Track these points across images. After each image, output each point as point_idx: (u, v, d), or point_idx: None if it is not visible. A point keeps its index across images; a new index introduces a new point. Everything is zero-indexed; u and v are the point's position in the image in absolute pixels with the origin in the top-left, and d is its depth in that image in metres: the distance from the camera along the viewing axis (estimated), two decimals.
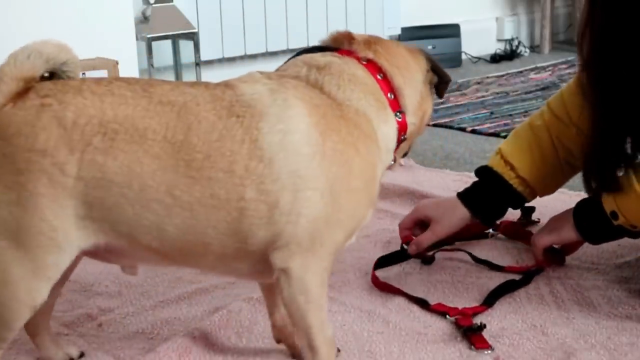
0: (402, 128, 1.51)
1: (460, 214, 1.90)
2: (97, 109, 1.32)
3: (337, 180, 1.36)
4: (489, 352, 1.54)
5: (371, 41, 1.52)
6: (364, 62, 1.48)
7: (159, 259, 1.40)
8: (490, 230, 2.08)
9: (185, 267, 1.58)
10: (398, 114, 1.50)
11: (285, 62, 1.51)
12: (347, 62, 1.47)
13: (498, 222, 2.07)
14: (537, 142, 1.90)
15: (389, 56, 1.51)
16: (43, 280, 1.35)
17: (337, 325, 1.66)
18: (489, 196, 1.92)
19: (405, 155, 1.65)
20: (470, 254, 1.93)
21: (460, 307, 1.69)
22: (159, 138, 1.31)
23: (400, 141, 1.52)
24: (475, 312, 1.67)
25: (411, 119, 1.52)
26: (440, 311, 1.68)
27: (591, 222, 1.74)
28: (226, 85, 1.39)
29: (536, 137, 1.90)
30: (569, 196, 2.19)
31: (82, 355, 1.59)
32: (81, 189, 1.31)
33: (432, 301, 1.72)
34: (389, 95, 1.49)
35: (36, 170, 1.30)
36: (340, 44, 1.51)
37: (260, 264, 1.38)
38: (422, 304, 1.72)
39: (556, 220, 1.84)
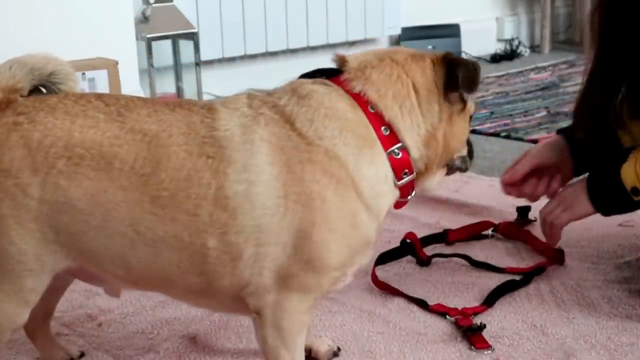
0: (403, 165, 1.36)
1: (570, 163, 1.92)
2: (65, 131, 1.28)
3: (300, 232, 1.27)
4: (489, 352, 1.54)
5: (366, 66, 1.37)
6: (354, 93, 1.35)
7: (131, 285, 1.37)
8: (490, 231, 2.07)
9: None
10: (396, 150, 1.35)
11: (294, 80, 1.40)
12: (330, 93, 1.34)
13: (497, 222, 2.07)
14: None
15: (383, 84, 1.36)
16: (20, 305, 1.32)
17: (337, 325, 1.66)
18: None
19: (458, 169, 1.50)
20: (468, 258, 1.92)
21: (460, 307, 1.69)
22: (126, 168, 1.26)
23: (403, 179, 1.37)
24: (475, 312, 1.67)
25: (419, 152, 1.37)
26: (440, 311, 1.68)
27: (608, 196, 1.73)
28: (208, 110, 1.32)
29: None
30: None
31: (82, 355, 1.58)
32: (46, 212, 1.27)
33: (432, 301, 1.72)
34: (382, 130, 1.34)
35: (0, 191, 1.27)
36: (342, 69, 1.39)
37: (232, 302, 1.34)
38: (422, 304, 1.72)
39: (568, 196, 1.81)
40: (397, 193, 1.38)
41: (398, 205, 1.43)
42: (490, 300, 1.72)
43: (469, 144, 1.51)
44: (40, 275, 1.31)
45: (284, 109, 1.32)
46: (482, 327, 1.59)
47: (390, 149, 1.35)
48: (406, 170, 1.37)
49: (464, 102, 1.41)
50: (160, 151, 1.27)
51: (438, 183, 1.46)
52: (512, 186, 1.92)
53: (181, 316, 1.72)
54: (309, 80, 1.37)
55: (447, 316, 1.66)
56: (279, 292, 1.30)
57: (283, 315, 1.32)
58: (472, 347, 1.55)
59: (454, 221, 2.16)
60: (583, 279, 1.82)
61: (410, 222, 2.20)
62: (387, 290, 1.79)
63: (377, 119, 1.34)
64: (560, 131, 1.94)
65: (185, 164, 1.27)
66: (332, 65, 1.41)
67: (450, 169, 1.47)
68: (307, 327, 1.39)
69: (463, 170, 1.50)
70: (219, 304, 1.37)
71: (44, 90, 1.36)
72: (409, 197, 1.42)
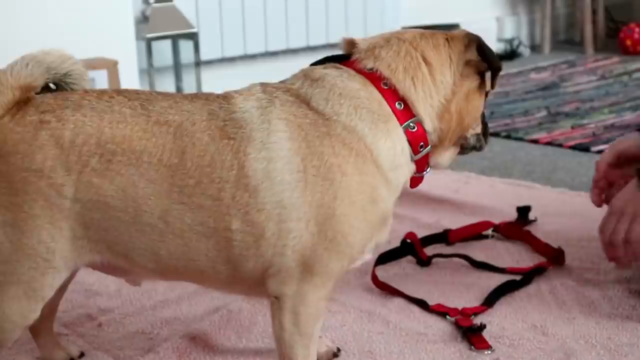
0: (419, 138, 1.38)
1: None
2: (95, 128, 1.29)
3: (322, 208, 1.28)
4: (489, 352, 1.54)
5: (375, 46, 1.40)
6: (366, 72, 1.38)
7: (158, 277, 1.39)
8: (490, 231, 2.07)
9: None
10: (411, 123, 1.37)
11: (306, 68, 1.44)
12: (342, 74, 1.37)
13: (497, 222, 2.07)
14: None
15: (393, 60, 1.38)
16: (37, 301, 1.33)
17: (337, 325, 1.66)
18: None
19: (473, 149, 1.49)
20: (468, 259, 1.92)
21: (460, 307, 1.68)
22: (155, 161, 1.28)
23: (423, 156, 1.39)
24: (475, 312, 1.66)
25: (433, 125, 1.39)
26: (440, 311, 1.68)
27: None
28: (224, 98, 1.35)
29: None
30: (569, 196, 2.19)
31: (82, 355, 1.58)
32: (78, 211, 1.28)
33: (433, 302, 1.72)
34: (396, 105, 1.37)
35: (32, 192, 1.27)
36: (350, 53, 1.42)
37: (258, 287, 1.35)
38: (422, 304, 1.72)
39: (627, 206, 1.62)
40: (413, 167, 1.40)
41: (414, 181, 1.44)
42: (491, 300, 1.72)
43: (484, 123, 1.50)
44: (61, 272, 1.32)
45: (299, 91, 1.35)
46: (482, 327, 1.59)
47: (405, 123, 1.37)
48: (422, 143, 1.38)
49: (481, 78, 1.43)
50: (185, 140, 1.29)
51: (449, 159, 1.47)
52: (600, 193, 1.81)
53: (181, 316, 1.72)
54: (320, 66, 1.40)
55: (447, 316, 1.66)
56: (301, 277, 1.31)
57: (303, 301, 1.32)
58: (472, 347, 1.55)
59: (454, 221, 2.16)
60: (583, 279, 1.81)
61: (411, 222, 2.20)
62: (387, 290, 1.78)
63: (391, 94, 1.37)
64: None
65: (209, 149, 1.29)
66: (340, 52, 1.45)
67: (465, 147, 1.48)
68: (323, 316, 1.39)
69: (478, 149, 1.50)
70: (246, 290, 1.39)
71: (53, 87, 1.37)
72: (425, 173, 1.43)
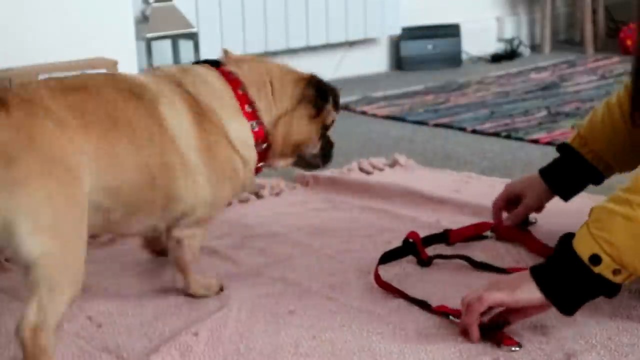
0: (258, 136, 1.77)
1: (543, 190, 2.00)
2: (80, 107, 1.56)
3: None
4: (516, 348, 1.53)
5: (242, 60, 1.82)
6: (228, 76, 1.77)
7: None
8: (489, 233, 2.07)
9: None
10: (254, 124, 1.76)
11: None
12: (209, 73, 1.76)
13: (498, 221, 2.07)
14: (610, 117, 1.90)
15: (250, 74, 1.78)
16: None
17: (337, 325, 1.66)
18: (566, 172, 1.96)
19: (309, 165, 1.93)
20: (469, 260, 1.91)
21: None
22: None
23: (263, 150, 1.78)
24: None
25: (269, 133, 1.78)
26: (443, 312, 1.67)
27: (559, 276, 1.48)
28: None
29: (610, 113, 1.90)
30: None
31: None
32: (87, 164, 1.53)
33: (433, 302, 1.71)
34: (246, 107, 1.76)
35: (59, 161, 1.48)
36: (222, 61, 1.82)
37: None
38: (424, 306, 1.71)
39: (511, 279, 1.56)
40: (255, 156, 1.77)
41: (256, 170, 1.82)
42: None
43: (326, 148, 1.90)
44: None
45: (179, 80, 1.72)
46: (505, 324, 1.56)
47: (250, 122, 1.76)
48: (261, 142, 1.78)
49: (316, 110, 1.82)
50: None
51: (284, 165, 1.88)
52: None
53: (182, 316, 1.72)
54: (195, 65, 1.81)
55: (451, 317, 1.64)
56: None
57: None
58: (501, 344, 1.53)
59: (454, 221, 2.16)
60: None
61: (410, 222, 2.20)
62: (390, 290, 1.78)
63: (243, 98, 1.76)
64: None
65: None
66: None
67: (302, 159, 1.89)
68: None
69: (313, 166, 1.93)
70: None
71: None
72: (262, 164, 1.82)
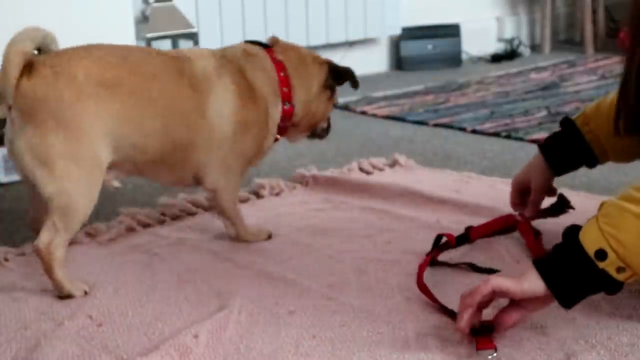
0: (288, 114, 2.08)
1: (544, 167, 2.01)
2: (96, 71, 1.84)
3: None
4: (492, 355, 1.51)
5: (288, 48, 2.13)
6: (275, 61, 2.07)
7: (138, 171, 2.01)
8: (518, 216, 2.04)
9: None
10: (287, 103, 2.07)
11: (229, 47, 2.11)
12: (265, 57, 2.07)
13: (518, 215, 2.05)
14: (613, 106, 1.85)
15: (293, 60, 2.10)
16: (98, 189, 1.86)
17: (337, 325, 1.66)
18: (562, 147, 1.97)
19: (319, 136, 2.24)
20: (472, 266, 1.89)
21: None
22: (139, 92, 1.87)
23: (285, 125, 2.10)
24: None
25: (298, 112, 2.09)
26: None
27: (564, 269, 1.47)
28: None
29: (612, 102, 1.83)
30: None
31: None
32: (99, 123, 1.82)
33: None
34: (284, 88, 2.06)
35: (72, 117, 1.79)
36: (271, 44, 2.13)
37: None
38: (453, 315, 1.64)
39: (522, 272, 1.53)
40: (275, 129, 2.09)
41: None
42: None
43: (329, 121, 2.22)
44: (102, 168, 1.85)
45: (238, 63, 2.04)
46: (491, 328, 1.56)
47: (283, 101, 2.07)
48: (287, 119, 2.09)
49: (331, 92, 2.15)
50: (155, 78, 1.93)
51: (300, 138, 2.23)
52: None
53: (181, 316, 1.72)
54: (254, 45, 2.10)
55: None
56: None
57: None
58: (475, 348, 1.53)
59: (454, 221, 2.16)
60: None
61: (410, 222, 2.20)
62: (427, 296, 1.74)
63: (284, 81, 2.07)
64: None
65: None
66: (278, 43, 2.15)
67: (314, 133, 2.21)
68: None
69: (322, 136, 2.23)
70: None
71: (35, 52, 1.83)
72: (278, 137, 2.12)
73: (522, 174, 2.09)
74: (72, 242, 2.14)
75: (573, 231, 1.49)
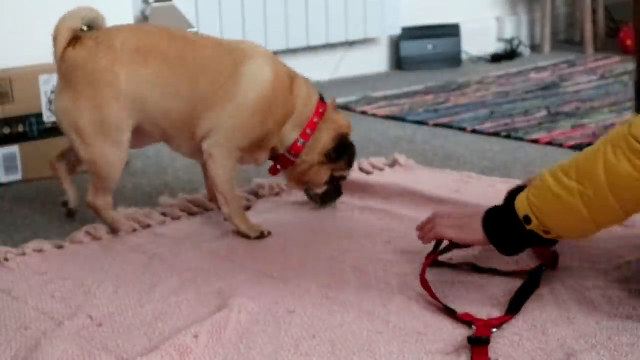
0: (295, 149, 2.18)
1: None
2: (134, 40, 2.08)
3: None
4: None
5: (335, 109, 2.26)
6: (321, 104, 2.21)
7: (164, 137, 2.19)
8: None
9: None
10: (301, 140, 2.18)
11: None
12: (315, 92, 2.22)
13: None
14: None
15: (329, 119, 2.22)
16: (123, 151, 2.11)
17: (337, 325, 1.66)
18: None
19: (311, 198, 2.32)
20: (473, 266, 1.88)
21: (485, 316, 1.66)
22: (172, 58, 2.08)
23: (288, 159, 2.21)
24: (502, 322, 1.63)
25: (302, 155, 2.20)
26: (466, 321, 1.64)
27: (501, 224, 1.70)
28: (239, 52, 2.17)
29: None
30: None
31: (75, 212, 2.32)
32: (128, 90, 2.05)
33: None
34: (307, 130, 2.18)
35: (104, 84, 2.04)
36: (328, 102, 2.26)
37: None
38: (450, 312, 1.68)
39: (465, 216, 1.79)
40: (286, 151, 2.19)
41: (273, 170, 2.27)
42: (514, 308, 1.69)
43: (329, 194, 2.29)
44: (127, 132, 2.09)
45: (294, 78, 2.19)
46: (488, 340, 1.55)
47: (302, 138, 2.17)
48: (293, 154, 2.18)
49: (331, 165, 2.21)
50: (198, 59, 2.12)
51: (295, 187, 2.32)
52: None
53: (182, 316, 1.72)
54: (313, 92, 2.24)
55: (472, 326, 1.62)
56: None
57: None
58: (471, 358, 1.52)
59: None
60: (583, 279, 1.81)
61: (410, 222, 2.19)
62: (429, 293, 1.74)
63: (312, 124, 2.19)
64: None
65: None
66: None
67: (308, 193, 2.29)
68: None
69: (317, 201, 2.30)
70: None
71: (85, 28, 2.12)
72: (280, 168, 2.24)
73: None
74: (73, 242, 2.15)
75: (514, 194, 1.69)
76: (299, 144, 2.16)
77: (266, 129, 2.12)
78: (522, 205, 1.65)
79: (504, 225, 1.69)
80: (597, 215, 1.58)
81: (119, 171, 2.13)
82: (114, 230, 2.17)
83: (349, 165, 2.25)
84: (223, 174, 2.12)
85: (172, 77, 2.07)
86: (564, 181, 1.59)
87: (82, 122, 2.06)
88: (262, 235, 2.14)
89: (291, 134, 2.16)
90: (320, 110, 2.17)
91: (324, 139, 2.17)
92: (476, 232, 1.72)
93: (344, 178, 2.26)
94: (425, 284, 1.76)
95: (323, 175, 2.21)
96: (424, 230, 1.85)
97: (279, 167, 2.22)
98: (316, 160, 2.18)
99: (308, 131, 2.16)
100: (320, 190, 2.24)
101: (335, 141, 2.18)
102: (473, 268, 1.89)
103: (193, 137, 2.11)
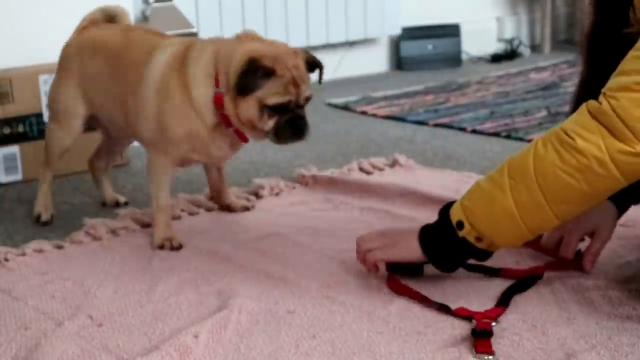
0: (217, 101, 2.00)
1: (608, 207, 1.83)
2: (93, 37, 2.25)
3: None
4: (489, 357, 1.52)
5: (239, 39, 2.04)
6: (218, 51, 2.01)
7: (109, 125, 2.32)
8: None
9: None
10: (218, 90, 2.00)
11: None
12: (208, 50, 2.03)
13: None
14: None
15: (228, 51, 1.99)
16: (67, 134, 2.31)
17: (337, 325, 1.66)
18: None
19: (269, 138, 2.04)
20: (474, 266, 1.85)
21: (478, 309, 1.66)
22: (110, 56, 2.19)
23: (225, 115, 2.01)
24: (499, 314, 1.64)
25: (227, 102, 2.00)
26: (464, 315, 1.65)
27: (435, 234, 1.70)
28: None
29: None
30: None
31: (126, 203, 2.46)
32: (81, 80, 2.24)
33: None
34: (219, 76, 1.99)
35: (67, 69, 2.27)
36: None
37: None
38: (444, 309, 1.68)
39: (396, 235, 1.79)
40: (212, 116, 2.03)
41: (239, 134, 2.06)
42: (505, 300, 1.70)
43: (280, 128, 1.99)
44: (78, 118, 2.28)
45: (187, 55, 2.06)
46: (491, 332, 1.57)
47: (216, 88, 2.01)
48: (219, 106, 2.01)
49: (239, 92, 1.96)
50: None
51: (256, 137, 2.07)
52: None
53: (182, 316, 1.72)
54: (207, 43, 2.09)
55: (473, 320, 1.62)
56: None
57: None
58: (474, 350, 1.53)
59: None
60: (584, 279, 1.81)
61: (410, 222, 2.20)
62: (407, 294, 1.75)
63: (218, 68, 2.01)
64: None
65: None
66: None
67: (261, 132, 2.02)
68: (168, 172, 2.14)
69: (273, 141, 2.02)
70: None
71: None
72: (232, 128, 2.04)
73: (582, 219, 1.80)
74: (73, 242, 2.15)
75: (449, 205, 1.70)
76: (217, 94, 2.00)
77: (184, 124, 2.05)
78: (455, 211, 1.67)
79: (439, 236, 1.69)
80: (528, 215, 1.58)
81: (58, 152, 2.33)
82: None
83: (268, 86, 1.95)
84: (155, 170, 2.12)
85: (108, 75, 2.17)
86: (496, 178, 1.62)
87: (50, 99, 2.34)
88: (167, 247, 2.10)
89: (201, 94, 2.01)
90: (216, 54, 2.01)
91: (231, 72, 1.97)
92: (412, 248, 1.72)
93: (284, 106, 1.97)
94: (400, 289, 1.76)
95: (251, 109, 1.96)
96: (360, 259, 1.83)
97: (233, 127, 2.05)
98: (232, 96, 1.98)
99: (220, 77, 2.00)
100: (267, 127, 1.98)
101: (238, 68, 1.95)
102: (463, 267, 1.87)
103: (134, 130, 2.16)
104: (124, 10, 2.32)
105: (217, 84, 2.00)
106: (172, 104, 2.03)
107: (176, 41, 2.13)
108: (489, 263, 1.86)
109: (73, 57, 2.25)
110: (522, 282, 1.78)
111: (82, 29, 2.30)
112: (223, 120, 2.03)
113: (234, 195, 2.42)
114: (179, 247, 2.09)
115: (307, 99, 2.00)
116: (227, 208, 2.37)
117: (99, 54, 2.20)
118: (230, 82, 1.96)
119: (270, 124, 1.98)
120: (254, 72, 1.93)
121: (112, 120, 2.23)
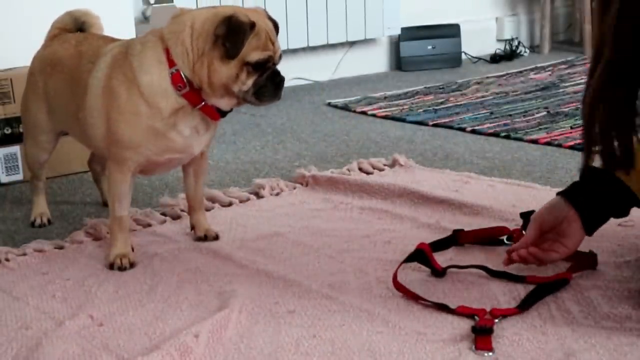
0: (176, 81, 1.90)
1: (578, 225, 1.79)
2: (54, 52, 2.19)
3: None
4: (489, 354, 1.52)
5: (175, 15, 1.99)
6: (161, 32, 1.95)
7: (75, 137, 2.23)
8: (504, 239, 2.00)
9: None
10: (173, 70, 1.90)
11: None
12: (152, 38, 1.97)
13: (511, 229, 2.01)
14: None
15: (174, 26, 1.94)
16: (41, 150, 2.31)
17: (337, 324, 1.66)
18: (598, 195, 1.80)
19: (248, 101, 1.94)
20: (485, 269, 1.85)
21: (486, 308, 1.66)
22: (66, 71, 2.12)
23: (191, 92, 1.90)
24: (504, 314, 1.64)
25: (190, 74, 1.89)
26: (467, 314, 1.65)
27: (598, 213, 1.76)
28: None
29: None
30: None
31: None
32: (45, 97, 2.20)
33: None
34: (169, 56, 1.91)
35: (32, 87, 2.26)
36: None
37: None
38: (445, 309, 1.68)
39: (561, 225, 1.77)
40: (180, 100, 1.91)
41: (206, 110, 1.94)
42: (525, 304, 1.68)
43: (261, 85, 1.90)
44: (48, 134, 2.27)
45: (127, 50, 1.98)
46: (491, 330, 1.57)
47: (170, 69, 1.90)
48: (179, 85, 1.90)
49: (226, 49, 1.86)
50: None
51: (229, 105, 1.94)
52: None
53: (182, 316, 1.72)
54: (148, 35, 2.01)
55: (476, 317, 1.63)
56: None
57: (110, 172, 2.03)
58: (473, 347, 1.54)
59: (454, 221, 2.16)
60: (583, 279, 1.81)
61: (410, 222, 2.20)
62: (408, 295, 1.75)
63: (167, 49, 1.92)
64: (559, 193, 1.82)
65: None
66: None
67: (239, 98, 1.92)
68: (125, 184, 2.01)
69: (252, 102, 1.94)
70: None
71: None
72: (199, 106, 1.92)
73: (545, 218, 1.83)
74: (73, 242, 2.15)
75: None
76: (173, 75, 1.90)
77: (137, 123, 1.94)
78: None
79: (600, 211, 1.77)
80: None
81: (37, 166, 2.34)
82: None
83: (249, 42, 1.87)
84: (112, 183, 2.00)
85: (63, 93, 2.12)
86: None
87: (21, 116, 2.36)
88: (117, 266, 1.98)
89: (152, 81, 1.91)
90: (162, 37, 1.94)
91: (203, 38, 1.88)
92: (576, 233, 1.77)
93: (265, 63, 1.89)
94: (400, 287, 1.76)
95: (231, 69, 1.87)
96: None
97: (200, 105, 1.93)
98: (208, 62, 1.88)
99: (170, 56, 1.91)
100: (245, 87, 1.88)
101: (219, 30, 1.86)
102: (484, 270, 1.86)
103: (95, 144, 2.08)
104: (93, 13, 2.26)
105: (170, 65, 1.89)
106: (117, 104, 1.92)
107: (117, 43, 2.05)
108: (513, 270, 1.85)
109: (37, 75, 2.22)
110: (547, 286, 1.76)
111: (52, 37, 2.25)
112: (188, 99, 1.90)
113: (234, 194, 2.42)
114: (131, 266, 1.98)
115: (281, 56, 1.94)
116: (192, 228, 2.17)
117: (56, 72, 2.14)
118: (205, 48, 1.86)
119: (249, 83, 1.88)
120: (237, 29, 1.84)
121: (76, 137, 2.18)
